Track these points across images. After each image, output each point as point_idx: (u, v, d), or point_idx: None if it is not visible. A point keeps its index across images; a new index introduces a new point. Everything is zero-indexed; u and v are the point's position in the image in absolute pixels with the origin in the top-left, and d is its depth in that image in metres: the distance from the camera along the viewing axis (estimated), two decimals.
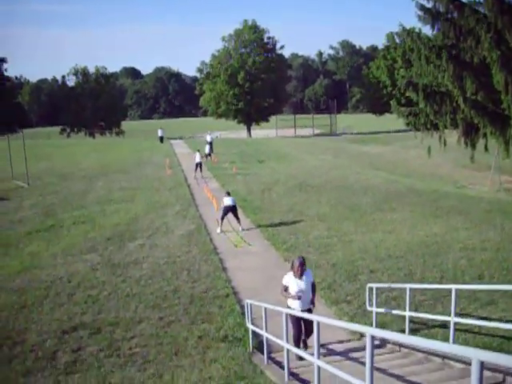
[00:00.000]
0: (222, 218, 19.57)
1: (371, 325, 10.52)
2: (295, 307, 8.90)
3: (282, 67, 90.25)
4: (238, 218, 19.78)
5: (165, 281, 13.92)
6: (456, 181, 33.52)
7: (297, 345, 9.06)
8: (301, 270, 8.99)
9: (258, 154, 46.27)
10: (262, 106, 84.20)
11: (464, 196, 26.62)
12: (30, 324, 11.45)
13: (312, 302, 9.40)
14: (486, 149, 27.84)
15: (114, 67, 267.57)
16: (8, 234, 20.63)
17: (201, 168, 32.69)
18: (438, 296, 12.00)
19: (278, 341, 7.32)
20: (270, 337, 7.89)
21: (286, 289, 9.11)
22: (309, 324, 8.66)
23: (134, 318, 11.51)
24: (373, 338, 4.27)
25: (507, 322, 9.11)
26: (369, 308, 11.03)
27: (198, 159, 32.50)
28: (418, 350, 8.26)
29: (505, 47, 23.57)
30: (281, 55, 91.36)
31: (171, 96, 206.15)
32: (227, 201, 19.55)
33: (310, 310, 9.21)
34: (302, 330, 9.17)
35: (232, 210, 19.61)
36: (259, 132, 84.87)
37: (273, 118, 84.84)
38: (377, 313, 10.49)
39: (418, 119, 29.61)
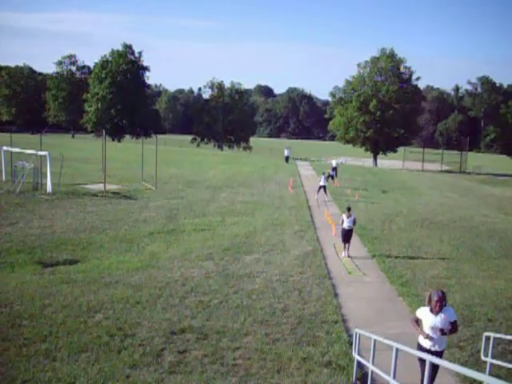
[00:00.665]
0: (344, 241, 19.27)
1: None
2: (425, 346, 8.23)
3: (416, 98, 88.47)
4: (348, 242, 19.36)
5: (275, 298, 13.95)
6: None
7: None
8: (439, 306, 8.10)
9: (382, 183, 45.61)
10: (391, 135, 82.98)
11: None
12: (141, 320, 11.88)
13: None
14: None
15: (248, 84, 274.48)
16: (132, 232, 21.65)
17: (325, 191, 32.84)
18: None
19: (385, 376, 7.10)
20: (377, 370, 7.67)
21: (416, 321, 8.43)
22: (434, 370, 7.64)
23: (241, 330, 11.61)
24: None
25: None
26: (483, 358, 10.46)
27: (322, 182, 32.72)
28: None
29: None
30: (416, 86, 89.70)
31: (301, 117, 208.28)
32: (346, 222, 19.23)
33: (441, 353, 8.35)
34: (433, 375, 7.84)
35: (348, 232, 19.29)
36: (385, 162, 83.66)
37: (401, 149, 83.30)
38: (491, 364, 9.92)
39: None
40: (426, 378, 5.53)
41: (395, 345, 6.74)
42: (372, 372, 8.11)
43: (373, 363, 7.99)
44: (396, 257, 19.35)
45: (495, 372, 10.22)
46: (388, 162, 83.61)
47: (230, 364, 9.95)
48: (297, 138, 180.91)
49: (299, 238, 21.40)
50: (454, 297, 15.05)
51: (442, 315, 8.10)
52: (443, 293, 8.22)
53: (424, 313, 8.28)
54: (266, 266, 17.03)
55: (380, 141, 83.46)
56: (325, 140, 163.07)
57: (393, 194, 39.18)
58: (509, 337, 10.85)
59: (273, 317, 12.58)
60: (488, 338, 10.34)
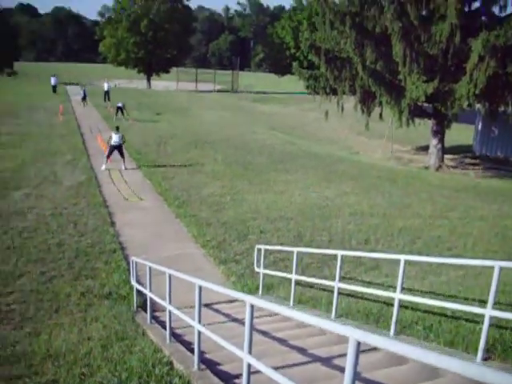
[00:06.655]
0: (108, 156, 20.61)
1: (258, 286, 10.59)
2: None
3: (188, 19, 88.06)
4: (122, 156, 20.75)
5: (49, 233, 13.30)
6: (350, 146, 34.35)
7: None
8: None
9: (156, 105, 45.29)
10: (163, 56, 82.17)
11: (357, 162, 27.33)
12: None
13: None
14: (381, 117, 28.70)
15: (7, 2, 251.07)
16: None
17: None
18: (326, 259, 12.22)
19: (161, 301, 7.13)
20: (153, 297, 7.67)
21: None
22: None
23: (14, 273, 10.89)
24: (252, 306, 4.17)
25: (388, 287, 9.43)
26: (257, 269, 11.08)
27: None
28: None
29: (406, 20, 24.17)
30: (187, 6, 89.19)
31: (70, 39, 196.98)
32: (115, 138, 20.49)
33: None
34: None
35: (118, 148, 20.61)
36: (159, 83, 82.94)
37: (174, 70, 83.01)
38: (264, 274, 10.54)
39: (318, 83, 30.01)
40: (197, 298, 5.51)
41: (168, 271, 6.74)
42: (151, 298, 8.08)
43: (150, 290, 7.97)
44: (172, 178, 19.54)
45: (269, 281, 10.89)
46: (162, 83, 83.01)
47: (4, 311, 9.26)
48: (66, 61, 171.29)
49: (72, 167, 20.54)
50: (228, 213, 15.69)
51: None
52: None
53: None
54: (38, 200, 16.11)
55: (152, 62, 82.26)
56: (97, 62, 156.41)
57: (167, 115, 39.18)
58: (276, 247, 11.58)
59: (48, 254, 12.01)
60: (259, 250, 10.93)
